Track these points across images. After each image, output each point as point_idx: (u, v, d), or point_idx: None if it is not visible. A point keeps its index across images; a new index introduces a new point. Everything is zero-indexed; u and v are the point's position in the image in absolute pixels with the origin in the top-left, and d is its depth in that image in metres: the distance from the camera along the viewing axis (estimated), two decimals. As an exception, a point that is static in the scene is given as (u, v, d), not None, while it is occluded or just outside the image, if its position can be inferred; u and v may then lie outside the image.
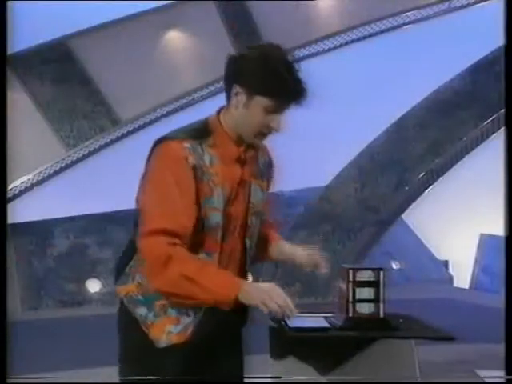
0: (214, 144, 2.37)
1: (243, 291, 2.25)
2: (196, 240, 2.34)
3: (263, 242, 2.67)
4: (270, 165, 2.59)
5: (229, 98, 2.38)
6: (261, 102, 2.32)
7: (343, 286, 3.01)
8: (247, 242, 2.48)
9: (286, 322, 2.91)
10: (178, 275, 2.24)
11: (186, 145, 2.33)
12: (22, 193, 11.97)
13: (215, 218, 2.35)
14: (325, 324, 2.98)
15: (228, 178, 2.38)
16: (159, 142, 2.38)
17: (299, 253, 2.71)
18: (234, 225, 2.43)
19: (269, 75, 2.30)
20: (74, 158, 12.31)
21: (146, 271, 2.33)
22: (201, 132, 2.39)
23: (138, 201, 2.42)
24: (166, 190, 2.30)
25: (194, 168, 2.31)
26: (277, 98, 2.32)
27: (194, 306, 2.34)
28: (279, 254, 2.72)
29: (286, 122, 2.40)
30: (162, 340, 2.38)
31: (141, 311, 2.40)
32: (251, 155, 2.46)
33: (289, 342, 3.01)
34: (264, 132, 2.38)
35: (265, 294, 2.26)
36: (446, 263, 14.09)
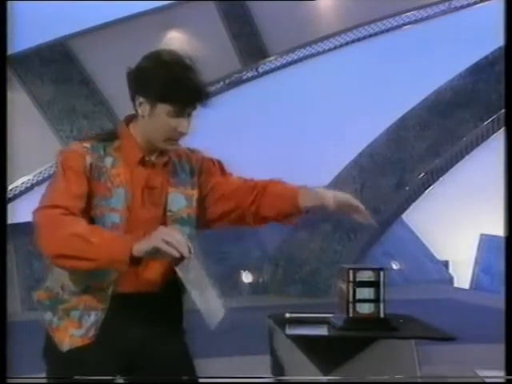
0: (119, 147, 2.45)
1: (135, 245, 2.23)
2: None
3: (279, 198, 2.58)
4: (200, 171, 2.59)
5: (135, 109, 2.44)
6: (163, 108, 2.37)
7: (343, 286, 3.01)
8: None
9: (283, 328, 2.91)
10: (68, 234, 2.26)
11: (86, 144, 2.42)
12: (22, 193, 11.98)
13: (111, 218, 2.39)
14: (323, 332, 2.98)
15: (131, 180, 2.43)
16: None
17: (329, 195, 2.58)
18: (144, 230, 2.38)
19: (165, 81, 2.35)
20: (74, 159, 12.30)
21: (39, 240, 2.34)
22: (107, 135, 2.48)
23: None
24: (62, 179, 2.38)
25: (91, 167, 2.40)
26: (176, 102, 2.36)
27: (89, 269, 2.31)
28: (306, 201, 2.56)
29: (194, 124, 2.43)
30: (65, 343, 2.43)
31: (47, 316, 2.47)
32: (163, 161, 2.49)
33: (289, 342, 3.01)
34: (173, 137, 2.42)
35: (153, 237, 2.22)
36: (446, 263, 14.10)
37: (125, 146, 2.45)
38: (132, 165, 2.44)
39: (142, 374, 2.51)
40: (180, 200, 2.52)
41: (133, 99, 2.43)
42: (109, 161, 2.42)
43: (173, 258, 2.22)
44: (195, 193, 2.56)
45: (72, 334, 2.43)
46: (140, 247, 2.21)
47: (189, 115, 2.39)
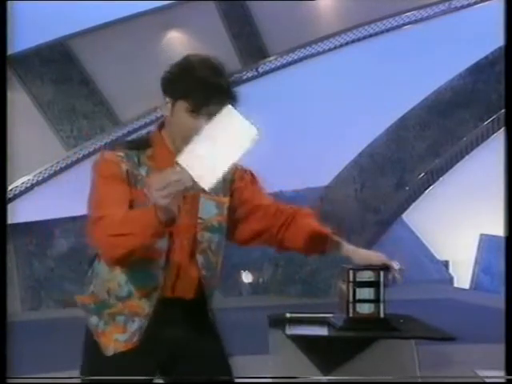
0: (152, 155, 2.45)
1: (156, 207, 2.19)
2: None
3: (308, 235, 2.64)
4: (233, 179, 2.59)
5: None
6: (182, 105, 2.38)
7: (343, 286, 3.00)
8: (199, 258, 2.50)
9: (283, 328, 2.91)
10: (107, 237, 2.28)
11: (120, 153, 2.43)
12: (22, 193, 11.98)
13: None
14: (323, 332, 2.98)
15: None
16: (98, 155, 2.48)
17: (360, 255, 2.72)
18: (181, 238, 2.46)
19: (184, 77, 2.37)
20: (74, 158, 12.31)
21: (100, 251, 2.39)
22: (140, 143, 2.48)
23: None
24: (102, 188, 2.39)
25: (127, 173, 2.40)
26: (193, 98, 2.36)
27: (138, 247, 2.29)
28: (334, 250, 2.69)
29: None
30: (110, 348, 2.46)
31: (93, 320, 2.50)
32: None
33: (289, 342, 3.02)
34: (191, 136, 2.36)
35: (153, 198, 2.16)
36: (446, 263, 14.08)
37: (157, 154, 2.45)
38: None
39: (181, 375, 2.54)
40: (211, 207, 2.52)
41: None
42: (143, 170, 2.42)
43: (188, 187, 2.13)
44: (227, 201, 2.56)
45: (116, 339, 2.46)
46: (158, 212, 2.16)
47: (209, 115, 2.31)
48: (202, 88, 2.35)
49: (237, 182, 2.59)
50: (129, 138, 2.48)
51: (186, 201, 2.44)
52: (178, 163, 2.11)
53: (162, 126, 2.49)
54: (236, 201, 2.59)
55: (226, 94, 2.37)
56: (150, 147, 2.46)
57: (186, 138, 2.33)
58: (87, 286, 2.53)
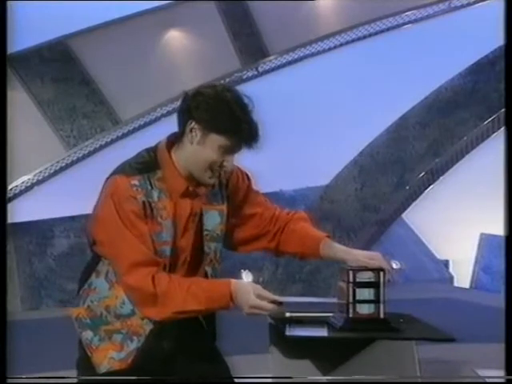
0: (163, 178, 2.42)
1: (234, 301, 2.36)
2: None
3: (300, 239, 2.70)
4: (227, 184, 2.59)
5: (182, 133, 2.41)
6: (216, 140, 2.36)
7: (343, 286, 3.01)
8: (208, 269, 2.51)
9: (283, 328, 2.91)
10: (171, 313, 2.35)
11: (134, 182, 2.38)
12: (22, 192, 11.98)
13: (164, 251, 2.40)
14: (323, 333, 2.98)
15: (176, 212, 2.42)
16: (108, 179, 2.44)
17: (353, 256, 2.73)
18: (184, 256, 2.46)
19: (225, 115, 2.34)
20: (74, 158, 12.32)
21: (136, 305, 2.40)
22: (149, 166, 2.43)
23: (90, 232, 2.48)
24: (126, 230, 2.36)
25: (144, 205, 2.37)
26: (231, 138, 2.36)
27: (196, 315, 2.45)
28: (327, 253, 2.74)
29: (236, 161, 2.47)
30: (103, 365, 2.43)
31: (87, 335, 2.47)
32: (203, 191, 2.48)
33: (289, 342, 3.02)
34: (215, 170, 2.41)
35: (243, 304, 2.34)
36: (446, 263, 14.09)
37: (167, 177, 2.42)
38: (176, 197, 2.42)
39: None
40: (215, 217, 2.51)
41: (182, 122, 2.40)
42: (155, 194, 2.40)
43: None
44: (225, 207, 2.55)
45: (111, 357, 2.43)
46: (237, 306, 2.36)
47: (235, 153, 2.41)
48: (242, 131, 2.36)
49: (232, 186, 2.58)
50: (135, 159, 2.37)
51: (194, 219, 2.46)
52: (278, 302, 2.41)
53: (171, 146, 2.45)
54: (232, 206, 2.58)
55: (257, 136, 2.40)
56: (159, 169, 2.42)
57: (209, 170, 2.39)
58: (83, 300, 2.49)
